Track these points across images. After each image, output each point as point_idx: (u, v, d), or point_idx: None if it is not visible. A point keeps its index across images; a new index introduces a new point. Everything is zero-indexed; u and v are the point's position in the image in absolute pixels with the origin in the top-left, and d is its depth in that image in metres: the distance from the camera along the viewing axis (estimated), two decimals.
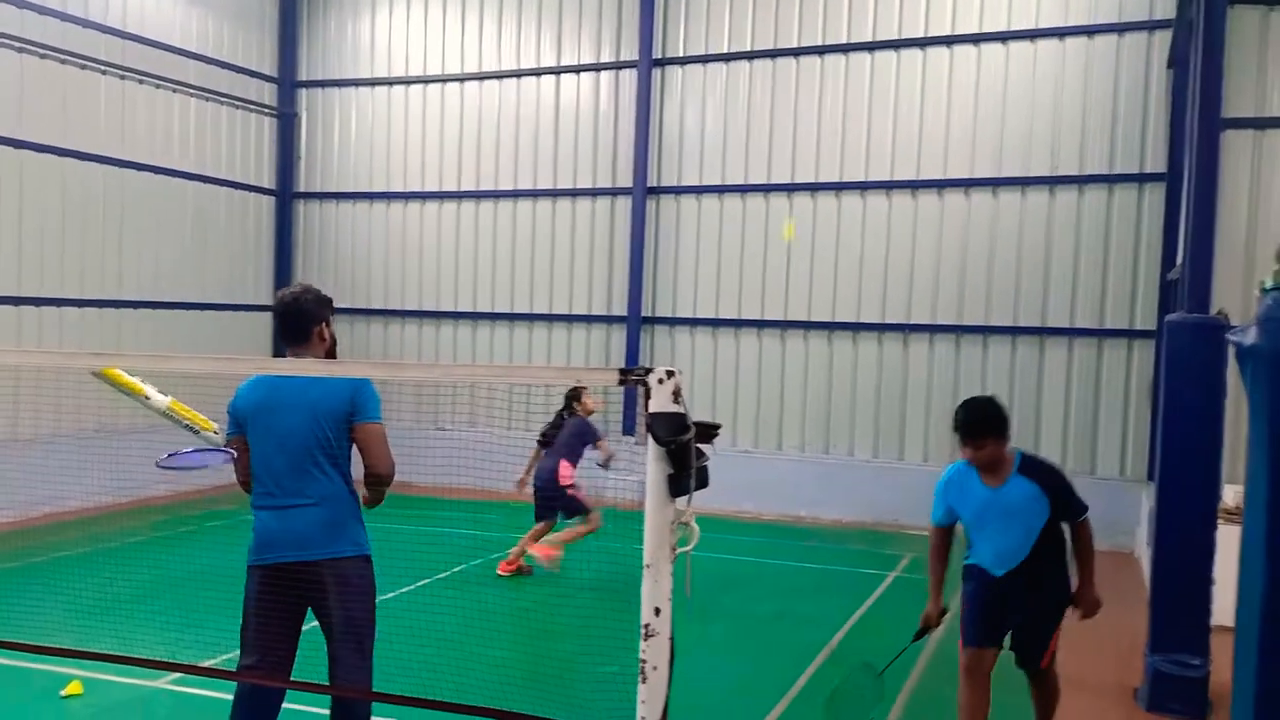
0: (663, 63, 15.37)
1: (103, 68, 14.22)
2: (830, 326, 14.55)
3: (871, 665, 6.11)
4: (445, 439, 14.50)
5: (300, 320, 4.76)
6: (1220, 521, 7.25)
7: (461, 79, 16.57)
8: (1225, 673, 5.17)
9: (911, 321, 14.17)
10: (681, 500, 3.20)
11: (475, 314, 16.59)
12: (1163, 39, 12.97)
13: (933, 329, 14.07)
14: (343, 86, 17.32)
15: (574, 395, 10.39)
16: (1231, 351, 3.18)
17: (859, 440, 14.46)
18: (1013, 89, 13.67)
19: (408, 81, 16.89)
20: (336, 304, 16.95)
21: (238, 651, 4.63)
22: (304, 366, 4.50)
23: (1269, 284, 2.89)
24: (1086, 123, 13.39)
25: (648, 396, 3.19)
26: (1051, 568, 5.55)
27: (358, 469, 4.65)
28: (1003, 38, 13.69)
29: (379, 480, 4.60)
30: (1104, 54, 13.30)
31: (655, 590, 3.18)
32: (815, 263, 14.60)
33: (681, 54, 15.29)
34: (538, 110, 16.11)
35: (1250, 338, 2.82)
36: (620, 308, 15.61)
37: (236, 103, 16.53)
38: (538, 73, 16.12)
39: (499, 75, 16.34)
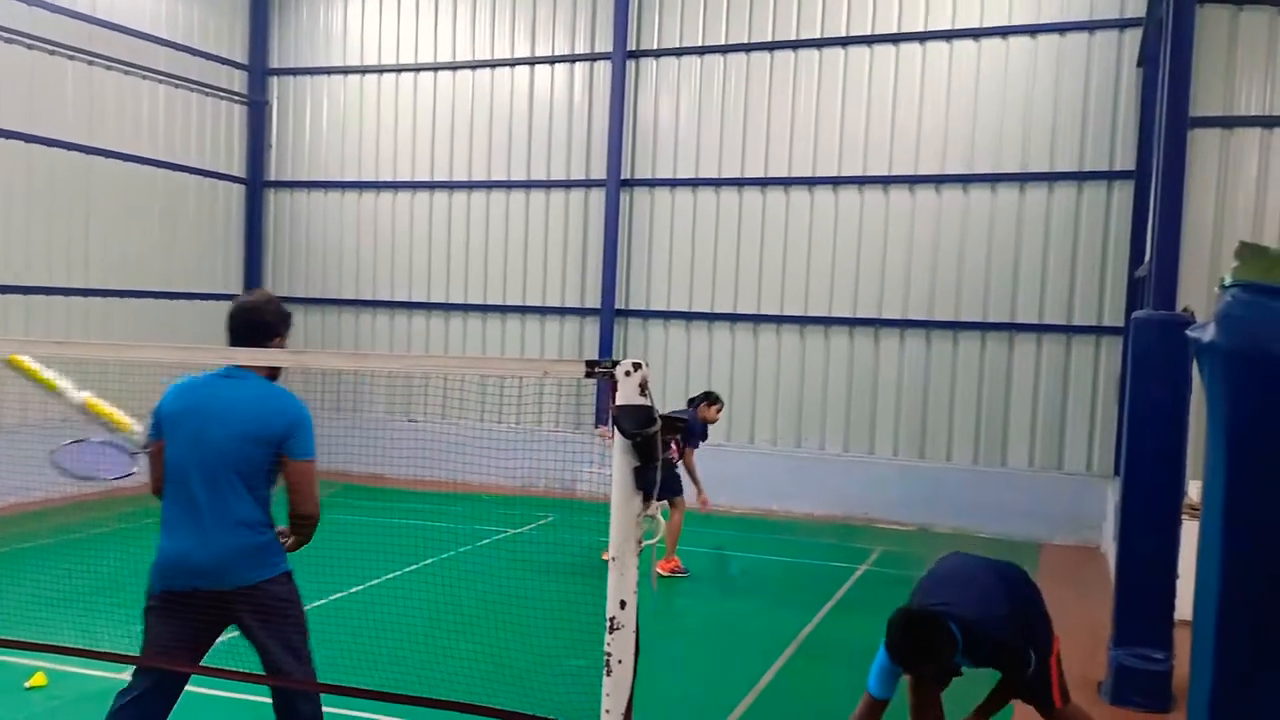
0: (637, 55, 15.34)
1: (70, 53, 14.03)
2: (802, 321, 14.60)
3: None
4: (416, 431, 14.44)
5: (258, 331, 4.42)
6: (1185, 517, 7.33)
7: (435, 68, 16.48)
8: (1189, 666, 5.23)
9: (883, 316, 14.24)
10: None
11: (448, 305, 16.52)
12: (1133, 37, 13.08)
13: (904, 324, 14.14)
14: (314, 75, 17.18)
15: (705, 399, 10.89)
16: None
17: (830, 434, 14.52)
18: (984, 86, 13.75)
19: (380, 70, 16.78)
20: (307, 294, 16.99)
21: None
22: (270, 357, 4.35)
23: (1229, 281, 2.92)
24: (1057, 120, 13.49)
25: (614, 389, 3.19)
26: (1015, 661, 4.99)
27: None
28: (975, 34, 13.76)
29: (304, 520, 4.33)
30: (1075, 52, 13.40)
31: (620, 583, 3.19)
32: (788, 257, 14.64)
33: (656, 46, 15.27)
34: (511, 101, 16.05)
35: (1209, 334, 2.84)
36: (594, 300, 15.59)
37: (206, 90, 16.37)
38: (512, 63, 16.06)
39: (472, 65, 16.26)
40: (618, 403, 3.19)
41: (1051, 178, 13.50)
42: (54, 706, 6.39)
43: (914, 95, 14.02)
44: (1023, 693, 5.14)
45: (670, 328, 15.30)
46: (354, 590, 8.92)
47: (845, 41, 14.30)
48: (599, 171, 15.50)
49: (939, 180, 13.94)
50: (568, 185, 15.79)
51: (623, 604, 3.19)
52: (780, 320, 14.71)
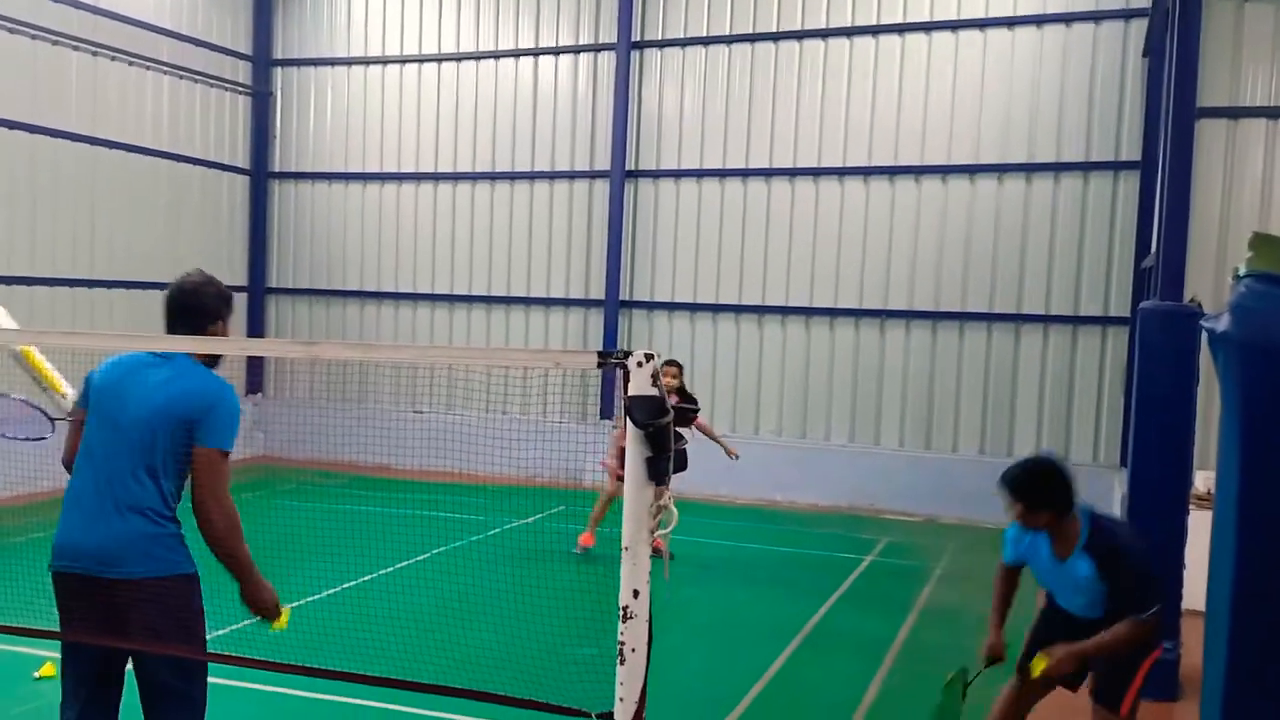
0: (641, 45, 15.31)
1: (74, 44, 14.02)
2: (808, 312, 14.59)
3: (956, 683, 5.49)
4: (422, 422, 14.48)
5: (194, 315, 4.13)
6: (1191, 507, 7.33)
7: (439, 59, 16.46)
8: (1195, 656, 5.23)
9: (889, 307, 14.23)
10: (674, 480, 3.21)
11: (452, 296, 16.52)
12: (1139, 28, 13.04)
13: (909, 315, 14.13)
14: (318, 66, 17.16)
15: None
16: (1205, 338, 3.22)
17: (835, 425, 14.52)
18: (990, 76, 13.72)
19: (384, 61, 16.76)
20: (311, 285, 16.93)
21: (224, 630, 4.49)
22: (280, 349, 4.35)
23: (1242, 271, 2.92)
24: (1063, 110, 13.46)
25: (626, 379, 3.19)
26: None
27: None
28: (981, 25, 13.72)
29: (203, 519, 3.82)
30: (1081, 42, 13.36)
31: (634, 572, 3.19)
32: (793, 248, 14.62)
33: (660, 37, 15.24)
34: (515, 92, 16.03)
35: (1222, 325, 2.85)
36: (598, 291, 15.59)
37: (211, 81, 16.36)
38: (516, 54, 16.03)
39: (476, 56, 16.24)
40: (630, 393, 3.19)
41: (1057, 168, 13.48)
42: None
43: (920, 86, 13.99)
44: (1101, 681, 4.93)
45: (675, 319, 15.30)
46: (364, 579, 8.96)
47: (850, 32, 14.27)
48: (603, 162, 15.49)
49: (945, 171, 13.92)
50: (572, 176, 15.78)
51: (636, 593, 3.19)
52: (785, 311, 14.70)
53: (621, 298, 15.41)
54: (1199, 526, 6.41)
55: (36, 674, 6.57)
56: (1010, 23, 13.60)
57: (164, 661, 3.90)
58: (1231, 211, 11.73)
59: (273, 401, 16.80)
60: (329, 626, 7.11)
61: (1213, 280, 11.25)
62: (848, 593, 9.86)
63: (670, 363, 10.10)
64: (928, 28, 13.93)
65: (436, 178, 16.52)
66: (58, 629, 4.04)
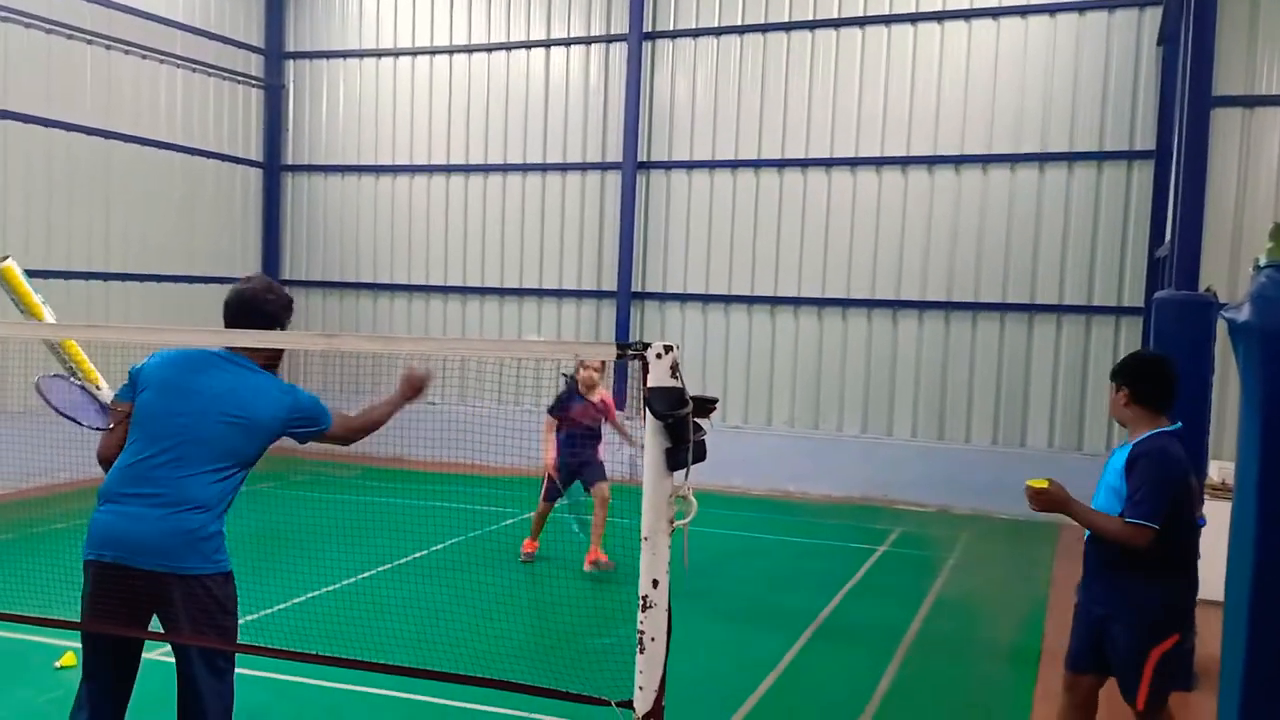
0: (653, 36, 15.30)
1: (88, 38, 14.08)
2: (820, 303, 14.58)
3: None
4: (435, 413, 14.47)
5: (255, 321, 4.18)
6: (1206, 497, 7.31)
7: (451, 51, 16.47)
8: (1210, 645, 5.24)
9: (901, 298, 14.21)
10: (679, 474, 3.23)
11: (464, 288, 16.56)
12: (1153, 16, 12.97)
13: (922, 305, 14.12)
14: (330, 58, 17.19)
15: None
16: (1223, 328, 3.22)
17: (848, 416, 14.52)
18: (1003, 65, 13.67)
19: (396, 53, 16.78)
20: (324, 278, 17.02)
21: (241, 620, 4.52)
22: (296, 340, 4.37)
23: (1263, 261, 2.91)
24: (1076, 99, 13.41)
25: (646, 371, 3.21)
26: (1135, 569, 4.67)
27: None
28: (994, 13, 13.67)
29: (358, 431, 4.58)
30: (1095, 30, 13.31)
31: (653, 562, 3.21)
32: (805, 239, 14.61)
33: (672, 28, 15.22)
34: (527, 84, 16.04)
35: (1243, 314, 2.85)
36: (610, 283, 15.60)
37: (223, 74, 16.40)
38: (528, 45, 16.03)
39: (488, 48, 16.24)
40: (649, 385, 3.21)
41: (1071, 157, 13.44)
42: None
43: (932, 75, 13.95)
44: (1118, 677, 4.78)
45: (687, 310, 15.31)
46: (380, 569, 9.01)
47: (863, 21, 14.23)
48: (615, 154, 15.49)
49: (958, 160, 13.88)
50: (584, 168, 15.78)
51: (655, 583, 3.22)
52: (798, 302, 14.69)
53: (633, 289, 15.42)
54: (1213, 517, 6.40)
55: (57, 664, 6.62)
56: (1023, 11, 13.55)
57: (201, 656, 4.00)
58: (1247, 201, 11.68)
59: None
60: (347, 616, 7.16)
61: (1228, 270, 11.22)
62: (861, 583, 9.87)
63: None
64: (940, 16, 13.89)
65: (448, 169, 16.55)
66: (78, 619, 4.07)
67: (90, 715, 4.06)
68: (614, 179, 15.54)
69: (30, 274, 5.42)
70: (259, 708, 6.06)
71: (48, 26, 13.48)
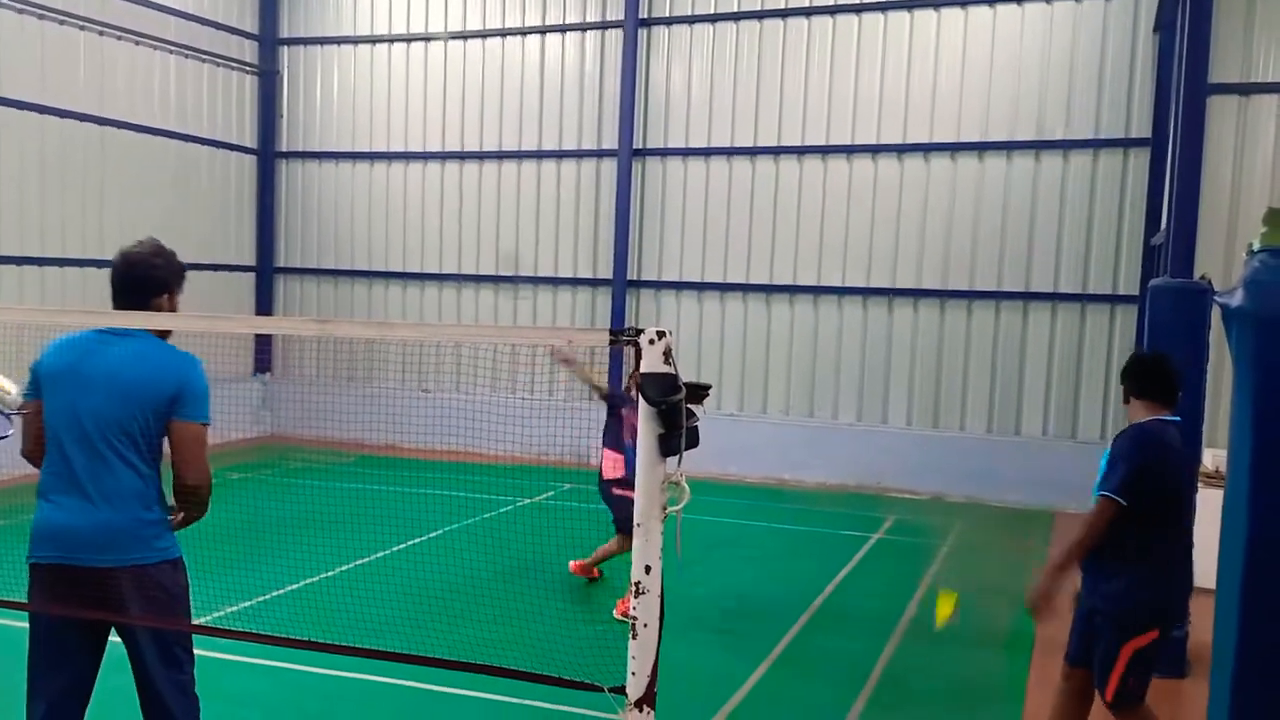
0: (649, 23, 15.24)
1: (81, 23, 13.99)
2: (815, 290, 14.57)
3: None
4: (429, 401, 14.51)
5: (143, 286, 4.00)
6: (1199, 485, 7.32)
7: (446, 38, 16.40)
8: (1203, 634, 5.25)
9: (896, 286, 14.20)
10: (672, 460, 3.22)
11: (459, 276, 16.52)
12: (1149, 3, 12.94)
13: (917, 293, 14.10)
14: (325, 44, 17.11)
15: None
16: (1217, 314, 3.21)
17: (843, 404, 14.53)
18: (999, 52, 13.63)
19: (391, 40, 16.70)
20: (319, 265, 16.89)
21: (236, 606, 4.52)
22: (297, 326, 4.34)
23: (1256, 246, 2.91)
24: (1072, 87, 13.38)
25: (639, 357, 3.20)
26: (1115, 560, 4.69)
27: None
28: (990, 0, 13.63)
29: (190, 491, 3.86)
30: (1091, 18, 13.27)
31: (646, 548, 3.20)
32: (801, 226, 14.59)
33: (668, 14, 15.17)
34: (523, 70, 15.97)
35: (1237, 300, 2.84)
36: (606, 270, 15.57)
37: (218, 60, 16.32)
38: (523, 32, 15.97)
39: (483, 34, 16.17)
40: (642, 371, 3.20)
41: (1067, 145, 13.42)
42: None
43: (929, 62, 13.91)
44: (1095, 669, 4.79)
45: (683, 298, 15.30)
46: (374, 557, 9.00)
47: (859, 8, 14.19)
48: (611, 141, 15.44)
49: (954, 148, 13.85)
50: (579, 155, 15.74)
51: (648, 569, 3.21)
52: (793, 290, 14.68)
53: (629, 277, 15.40)
54: (1206, 504, 6.41)
55: None
56: None
57: (159, 647, 3.88)
58: (1242, 188, 11.68)
59: (280, 381, 16.83)
60: (340, 603, 7.16)
61: (1223, 257, 11.22)
62: (855, 570, 9.89)
63: None
64: (936, 4, 13.84)
65: (443, 156, 16.49)
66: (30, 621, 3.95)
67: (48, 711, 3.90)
68: (609, 166, 15.50)
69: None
70: (253, 695, 6.07)
71: (40, 12, 13.39)
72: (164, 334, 4.02)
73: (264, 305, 17.20)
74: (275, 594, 7.50)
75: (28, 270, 13.38)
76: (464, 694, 6.14)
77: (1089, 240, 13.45)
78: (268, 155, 17.27)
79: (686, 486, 3.24)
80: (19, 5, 13.11)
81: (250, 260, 17.18)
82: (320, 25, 17.12)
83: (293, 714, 6.07)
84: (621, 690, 3.26)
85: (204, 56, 16.05)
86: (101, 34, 14.33)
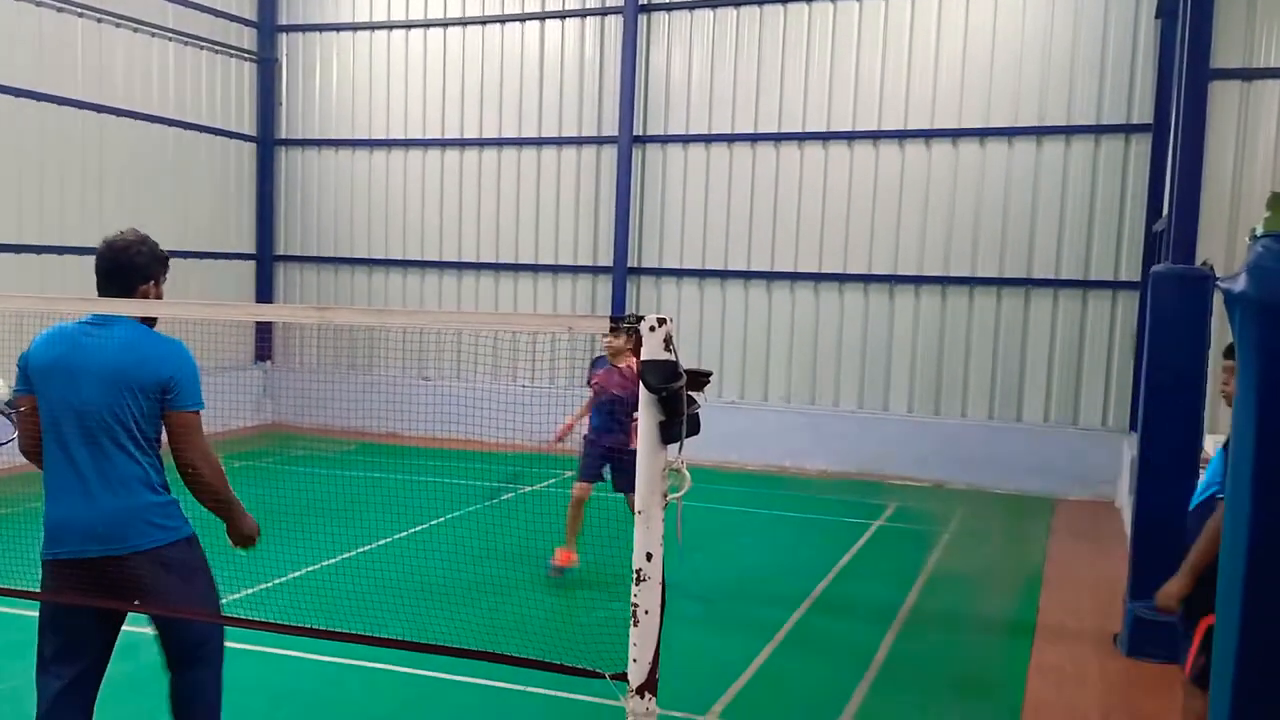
0: (649, 9, 15.19)
1: (79, 10, 13.94)
2: (817, 278, 14.55)
3: None
4: (431, 388, 14.51)
5: (125, 275, 4.05)
6: (1201, 471, 7.32)
7: (445, 24, 16.34)
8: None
9: (898, 272, 14.18)
10: (673, 447, 3.22)
11: (460, 263, 16.50)
12: None
13: (919, 280, 14.09)
14: (324, 31, 17.06)
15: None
16: (1220, 299, 3.20)
17: (844, 391, 14.52)
18: (1001, 38, 13.58)
19: (390, 26, 16.65)
20: (319, 253, 16.85)
21: (238, 594, 4.50)
22: (297, 314, 4.33)
23: (1259, 231, 2.89)
24: (1074, 72, 13.34)
25: (639, 344, 3.19)
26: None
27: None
28: None
29: (193, 477, 3.88)
30: (1093, 3, 13.22)
31: (647, 535, 3.20)
32: (801, 213, 14.56)
33: (668, 0, 15.12)
34: (522, 56, 15.92)
35: (1239, 285, 2.82)
36: (606, 258, 15.55)
37: (216, 47, 16.27)
38: (523, 18, 15.91)
39: (483, 20, 16.12)
40: (643, 357, 3.20)
41: (1068, 131, 13.38)
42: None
43: (930, 48, 13.87)
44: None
45: (683, 285, 15.28)
46: (376, 544, 9.01)
47: None
48: (611, 128, 15.40)
49: (955, 134, 13.82)
50: (580, 142, 15.70)
51: (649, 556, 3.21)
52: (794, 277, 14.66)
53: (630, 264, 15.38)
54: None
55: None
56: None
57: (184, 628, 3.96)
58: (1244, 174, 11.64)
59: (281, 369, 16.84)
60: (343, 591, 7.16)
61: (1225, 243, 11.19)
62: (856, 558, 9.89)
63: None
64: None
65: (443, 144, 16.45)
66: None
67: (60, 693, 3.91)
68: (610, 153, 15.46)
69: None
70: (256, 682, 6.08)
71: (38, 0, 13.37)
72: (150, 321, 4.05)
73: (264, 293, 17.18)
74: (277, 581, 7.51)
75: (27, 258, 13.35)
76: (465, 681, 6.15)
77: (1091, 226, 13.42)
78: (267, 143, 17.23)
79: (688, 474, 3.25)
80: None
81: (250, 248, 17.16)
82: (319, 12, 17.06)
83: (295, 700, 6.09)
84: (623, 677, 3.27)
85: (203, 43, 16.00)
86: (100, 21, 14.28)
